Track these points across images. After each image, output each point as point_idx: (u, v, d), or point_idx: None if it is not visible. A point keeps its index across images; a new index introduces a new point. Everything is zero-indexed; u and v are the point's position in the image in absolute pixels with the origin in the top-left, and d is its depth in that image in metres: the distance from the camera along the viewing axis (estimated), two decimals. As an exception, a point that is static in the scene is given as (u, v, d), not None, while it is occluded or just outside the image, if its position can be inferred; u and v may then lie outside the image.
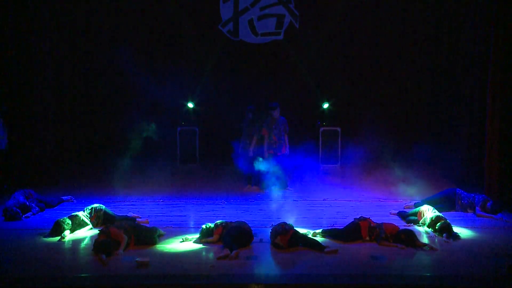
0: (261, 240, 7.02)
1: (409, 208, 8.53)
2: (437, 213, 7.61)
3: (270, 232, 6.94)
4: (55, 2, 11.10)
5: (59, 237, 7.10)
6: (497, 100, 8.97)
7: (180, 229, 7.60)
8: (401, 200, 9.25)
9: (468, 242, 7.05)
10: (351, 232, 7.06)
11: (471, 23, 10.50)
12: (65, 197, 9.37)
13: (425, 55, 12.19)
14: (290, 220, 7.37)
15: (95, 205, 7.84)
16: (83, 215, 7.59)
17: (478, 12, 10.20)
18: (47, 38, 10.76)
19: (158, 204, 9.18)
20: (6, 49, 10.15)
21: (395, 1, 12.26)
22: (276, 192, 9.87)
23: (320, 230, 7.27)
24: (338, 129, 12.24)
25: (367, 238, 7.01)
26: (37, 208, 8.50)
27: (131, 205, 9.08)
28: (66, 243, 7.01)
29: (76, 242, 7.06)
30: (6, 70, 10.20)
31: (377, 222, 7.18)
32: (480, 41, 10.16)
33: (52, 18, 10.97)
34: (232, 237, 6.66)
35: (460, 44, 11.10)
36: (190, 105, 12.33)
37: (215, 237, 6.91)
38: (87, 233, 7.42)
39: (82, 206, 8.13)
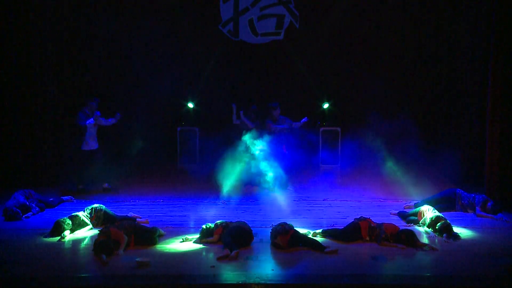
0: (261, 240, 7.03)
1: (409, 208, 8.54)
2: (437, 213, 7.61)
3: (270, 232, 6.95)
4: None
5: (59, 237, 7.11)
6: (498, 100, 8.95)
7: (180, 229, 7.60)
8: (401, 200, 9.25)
9: (468, 242, 7.05)
10: (351, 232, 7.06)
11: (471, 23, 10.52)
12: (65, 197, 9.37)
13: (425, 56, 12.17)
14: (290, 220, 7.36)
15: (95, 205, 7.85)
16: (83, 215, 7.59)
17: (478, 12, 10.21)
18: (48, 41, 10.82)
19: (158, 204, 9.18)
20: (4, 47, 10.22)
21: (395, 1, 12.24)
22: (276, 192, 9.88)
23: (320, 230, 7.28)
24: (338, 129, 12.22)
25: (367, 238, 7.02)
26: (37, 208, 8.50)
27: (131, 205, 9.08)
28: (66, 243, 7.02)
29: (76, 242, 7.07)
30: (4, 69, 10.25)
31: (377, 222, 7.18)
32: (480, 41, 10.16)
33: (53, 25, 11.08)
34: (232, 237, 6.67)
35: (461, 44, 11.10)
36: (190, 105, 12.31)
37: (215, 237, 6.91)
38: (87, 233, 7.42)
39: (82, 206, 8.13)
